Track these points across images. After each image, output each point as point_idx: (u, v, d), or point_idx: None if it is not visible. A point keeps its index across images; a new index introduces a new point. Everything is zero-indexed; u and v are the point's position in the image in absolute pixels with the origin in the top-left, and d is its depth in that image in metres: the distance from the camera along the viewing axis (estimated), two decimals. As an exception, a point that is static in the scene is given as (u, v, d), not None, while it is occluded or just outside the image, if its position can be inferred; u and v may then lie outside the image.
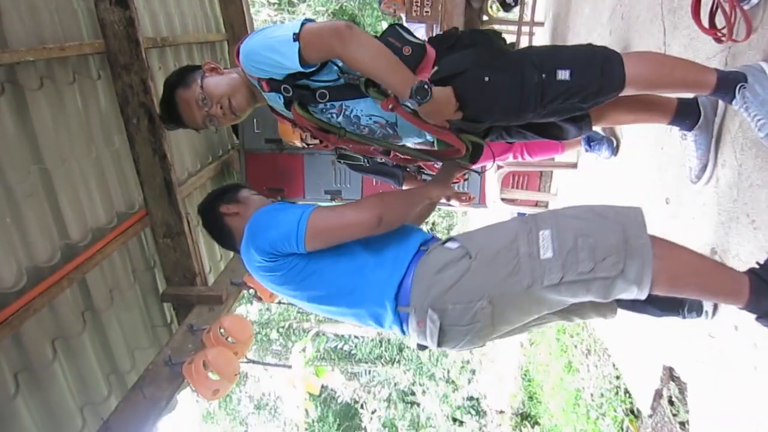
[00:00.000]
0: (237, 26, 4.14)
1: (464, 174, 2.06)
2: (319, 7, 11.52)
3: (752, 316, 1.47)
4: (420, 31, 5.13)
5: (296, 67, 1.51)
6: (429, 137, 1.78)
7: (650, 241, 1.36)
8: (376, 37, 1.58)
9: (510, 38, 5.10)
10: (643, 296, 1.39)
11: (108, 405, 2.52)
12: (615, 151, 2.94)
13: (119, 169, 2.83)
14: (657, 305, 1.94)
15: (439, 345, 1.48)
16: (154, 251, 3.02)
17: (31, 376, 2.17)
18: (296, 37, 1.47)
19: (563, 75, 1.52)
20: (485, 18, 4.89)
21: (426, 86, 1.46)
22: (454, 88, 1.53)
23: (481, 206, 4.05)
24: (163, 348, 2.65)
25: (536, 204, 4.11)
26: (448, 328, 1.46)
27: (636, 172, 2.74)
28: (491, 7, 5.11)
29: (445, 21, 4.00)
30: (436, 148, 1.85)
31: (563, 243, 1.37)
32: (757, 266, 1.51)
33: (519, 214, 4.47)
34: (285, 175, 3.97)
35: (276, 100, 1.67)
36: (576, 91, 1.55)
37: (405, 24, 5.19)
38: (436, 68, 1.55)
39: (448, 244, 1.52)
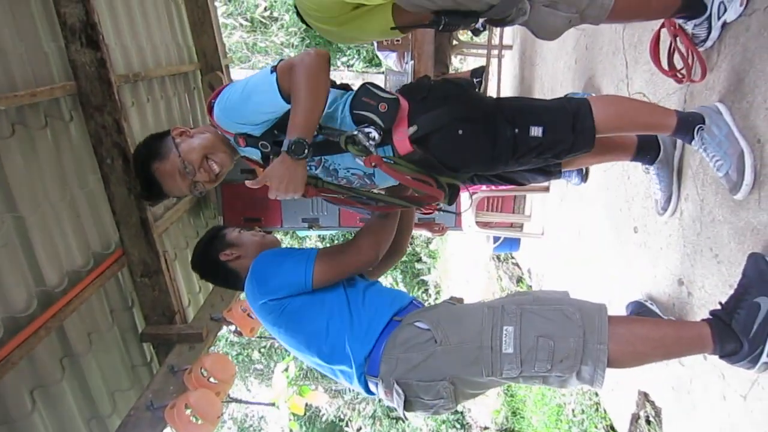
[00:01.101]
0: (209, 54, 4.13)
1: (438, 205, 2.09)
2: (292, 27, 11.54)
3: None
4: (391, 59, 5.19)
5: (276, 98, 1.50)
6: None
7: (607, 344, 1.44)
8: (353, 96, 1.61)
9: (480, 61, 5.19)
10: (597, 389, 1.55)
11: (89, 452, 2.50)
12: (584, 178, 3.01)
13: (94, 210, 2.81)
14: None
15: (405, 411, 1.60)
16: (132, 290, 3.00)
17: (10, 428, 2.14)
18: (273, 68, 1.52)
19: (536, 132, 1.59)
20: (455, 43, 4.97)
21: (305, 149, 1.47)
22: (430, 142, 1.58)
23: (457, 229, 4.11)
24: (144, 391, 2.62)
25: (511, 225, 4.18)
26: (413, 400, 1.57)
27: (605, 199, 2.81)
28: (461, 32, 5.20)
29: (416, 48, 4.06)
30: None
31: (525, 341, 1.46)
32: (719, 307, 1.57)
33: (495, 238, 4.54)
34: (262, 205, 3.98)
35: (254, 154, 1.68)
36: (548, 147, 1.62)
37: (377, 51, 5.26)
38: (415, 128, 1.59)
39: (418, 324, 1.59)
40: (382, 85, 2.29)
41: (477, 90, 1.80)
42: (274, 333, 1.75)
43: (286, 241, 11.36)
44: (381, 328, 1.62)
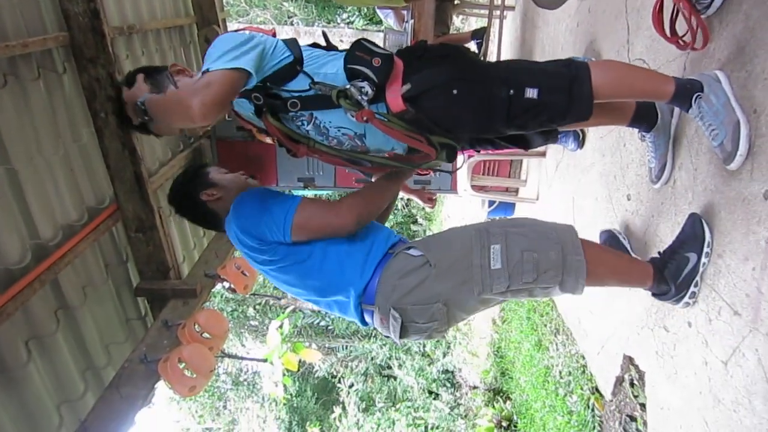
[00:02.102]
0: (206, 8, 4.04)
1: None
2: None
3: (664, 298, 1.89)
4: (391, 18, 5.09)
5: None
6: (397, 148, 1.81)
7: (583, 256, 1.61)
8: (346, 50, 1.60)
9: (481, 22, 5.10)
10: (578, 295, 1.67)
11: (85, 402, 2.55)
12: (581, 144, 3.00)
13: (88, 164, 2.79)
14: None
15: (400, 338, 1.69)
16: (126, 245, 3.01)
17: (6, 378, 2.18)
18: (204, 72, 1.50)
19: (531, 93, 1.58)
20: (457, 2, 4.87)
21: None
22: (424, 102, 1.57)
23: (452, 192, 4.11)
24: (138, 345, 2.66)
25: (506, 190, 4.18)
26: (408, 325, 1.66)
27: (600, 166, 2.81)
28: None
29: (416, 7, 3.98)
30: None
31: (511, 256, 1.59)
32: (657, 255, 1.87)
33: (489, 202, 4.55)
34: (257, 163, 3.96)
35: (246, 107, 1.67)
36: (542, 110, 1.61)
37: (377, 10, 5.16)
38: (408, 86, 1.58)
39: (411, 251, 1.69)
40: (381, 44, 2.26)
41: (474, 53, 1.77)
42: (262, 271, 1.81)
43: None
44: (378, 260, 1.70)
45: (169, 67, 1.75)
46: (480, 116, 1.64)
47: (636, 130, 2.14)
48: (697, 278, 1.83)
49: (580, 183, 3.15)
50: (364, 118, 1.58)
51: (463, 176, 3.93)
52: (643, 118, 2.04)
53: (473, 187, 4.10)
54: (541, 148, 3.72)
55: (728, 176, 1.72)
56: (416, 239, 1.83)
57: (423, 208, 10.29)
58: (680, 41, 1.89)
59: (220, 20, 4.08)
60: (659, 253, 1.89)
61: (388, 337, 1.75)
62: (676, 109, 2.01)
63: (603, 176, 2.77)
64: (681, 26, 1.89)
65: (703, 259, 1.80)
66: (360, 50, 1.61)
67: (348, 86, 1.55)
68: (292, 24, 11.57)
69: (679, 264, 1.82)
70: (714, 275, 1.80)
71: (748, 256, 1.64)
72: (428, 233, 10.15)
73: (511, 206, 4.77)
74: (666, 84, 1.71)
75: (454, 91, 1.60)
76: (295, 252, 1.69)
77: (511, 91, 1.59)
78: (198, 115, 1.40)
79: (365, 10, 11.23)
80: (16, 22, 2.34)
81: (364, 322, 1.76)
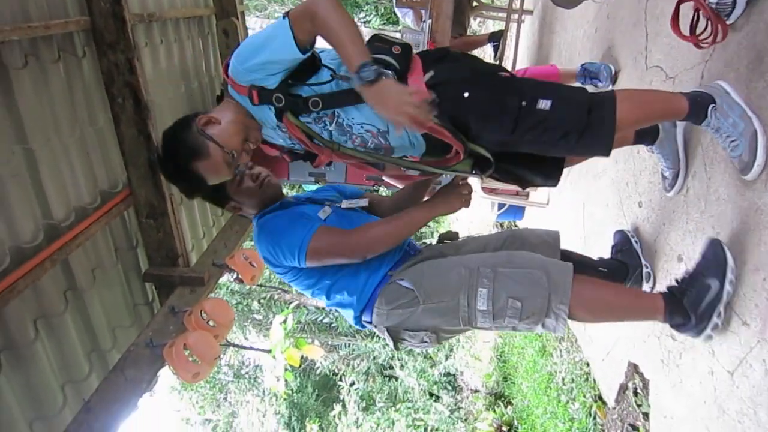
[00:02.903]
0: (225, 0, 4.08)
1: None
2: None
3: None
4: (408, 17, 5.09)
5: (291, 45, 1.49)
6: (415, 153, 1.79)
7: (568, 305, 1.65)
8: (366, 42, 1.60)
9: (499, 25, 5.10)
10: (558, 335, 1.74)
11: (89, 383, 2.57)
12: (614, 80, 2.85)
13: (103, 148, 2.82)
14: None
15: (396, 348, 1.96)
16: (137, 230, 3.04)
17: (14, 355, 2.20)
18: (285, 14, 1.50)
19: (543, 104, 1.55)
20: (475, 4, 4.87)
21: (375, 68, 1.43)
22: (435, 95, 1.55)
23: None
24: (144, 329, 2.69)
25: (517, 193, 4.17)
26: (402, 342, 1.91)
27: (613, 173, 2.80)
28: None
29: (434, 7, 3.97)
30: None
31: (497, 301, 1.69)
32: (675, 284, 1.77)
33: (499, 205, 4.54)
34: (270, 157, 3.97)
35: (267, 115, 1.66)
36: (554, 125, 1.56)
37: (395, 9, 5.16)
38: (432, 73, 1.58)
39: (403, 283, 1.80)
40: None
41: (493, 65, 1.76)
42: (284, 278, 2.00)
43: (292, 195, 11.40)
44: (376, 284, 1.86)
45: (196, 121, 1.69)
46: (490, 124, 1.61)
47: (642, 146, 2.14)
48: (720, 308, 1.68)
49: (591, 189, 3.15)
50: None
51: (473, 178, 3.93)
52: (645, 133, 2.05)
53: (484, 189, 4.09)
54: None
55: (742, 186, 1.71)
56: (413, 262, 1.92)
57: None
58: (700, 40, 1.88)
59: (239, 13, 4.10)
60: (677, 281, 1.76)
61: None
62: (690, 122, 2.00)
63: (615, 183, 2.76)
64: (700, 27, 1.88)
65: (727, 287, 1.66)
66: (378, 41, 1.62)
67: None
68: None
69: (700, 292, 1.69)
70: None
71: (759, 266, 1.63)
72: (436, 235, 10.14)
73: (521, 210, 4.76)
74: (679, 101, 1.69)
75: (465, 94, 1.59)
76: (306, 276, 1.92)
77: (523, 102, 1.56)
78: None
79: (382, 9, 11.25)
80: (39, 4, 2.37)
81: (363, 327, 1.97)
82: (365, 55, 1.47)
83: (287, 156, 1.91)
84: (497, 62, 4.26)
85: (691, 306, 1.70)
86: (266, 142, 1.79)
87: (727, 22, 1.79)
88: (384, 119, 1.59)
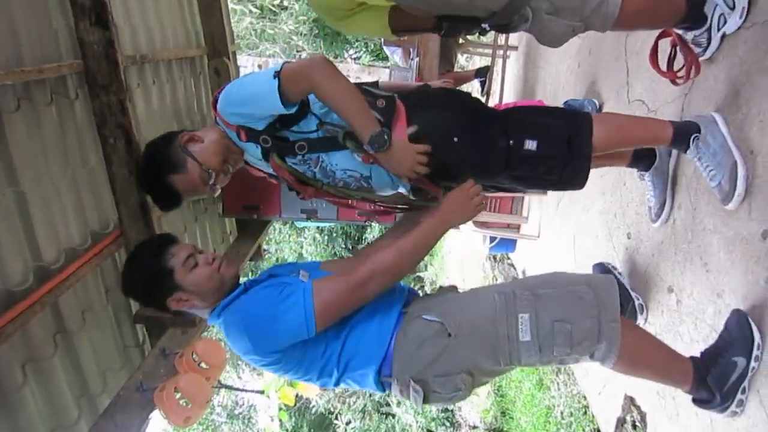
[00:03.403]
0: (217, 39, 4.13)
1: None
2: (301, 15, 11.53)
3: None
4: (397, 54, 5.20)
5: (277, 105, 1.52)
6: (402, 189, 1.83)
7: (619, 321, 1.47)
8: None
9: (485, 61, 5.20)
10: (607, 367, 1.53)
11: (78, 429, 2.51)
12: None
13: (94, 188, 2.83)
14: None
15: (423, 405, 1.58)
16: (128, 270, 3.02)
17: (1, 400, 2.17)
18: (276, 74, 1.52)
19: (530, 145, 1.60)
20: (461, 41, 4.98)
21: (386, 136, 1.53)
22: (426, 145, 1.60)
23: (453, 228, 4.12)
24: (135, 372, 2.65)
25: (508, 226, 4.20)
26: (430, 395, 1.53)
27: (601, 204, 2.84)
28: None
29: (422, 45, 4.07)
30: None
31: (541, 328, 1.45)
32: (698, 356, 1.67)
33: (491, 238, 4.56)
34: (261, 193, 3.99)
35: (253, 151, 1.69)
36: (540, 162, 1.62)
37: (384, 47, 5.27)
38: (415, 127, 1.61)
39: (427, 316, 1.52)
40: (388, 80, 2.33)
41: (475, 99, 1.80)
42: (269, 370, 1.63)
43: (285, 232, 11.37)
44: (393, 327, 1.55)
45: (180, 137, 1.75)
46: (479, 165, 1.66)
47: (635, 170, 2.17)
48: (745, 384, 1.63)
49: (580, 221, 3.17)
50: (371, 160, 1.61)
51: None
52: (642, 158, 2.08)
53: (475, 222, 4.11)
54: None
55: (726, 216, 1.74)
56: (430, 296, 1.68)
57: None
58: (677, 77, 1.93)
59: (230, 52, 4.17)
60: (700, 353, 1.69)
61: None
62: (674, 149, 2.04)
63: (603, 214, 2.79)
64: (678, 64, 1.94)
65: (753, 364, 1.61)
66: (363, 94, 1.64)
67: None
68: (300, 58, 11.79)
69: (725, 369, 1.61)
70: (714, 314, 1.80)
71: (747, 295, 1.64)
72: (429, 268, 10.12)
73: (512, 242, 4.77)
74: (664, 129, 1.75)
75: (455, 139, 1.63)
76: (311, 350, 1.53)
77: (511, 142, 1.61)
78: None
79: (372, 46, 11.46)
80: (32, 48, 2.41)
81: (382, 389, 1.61)
82: (373, 124, 1.54)
83: (274, 179, 1.92)
84: (485, 97, 4.33)
85: (717, 384, 1.61)
86: (252, 166, 1.81)
87: (704, 57, 1.85)
88: (389, 171, 1.66)
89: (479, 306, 1.53)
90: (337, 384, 1.60)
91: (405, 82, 3.36)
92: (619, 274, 2.30)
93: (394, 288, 1.62)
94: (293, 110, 1.59)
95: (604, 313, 1.46)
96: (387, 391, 1.60)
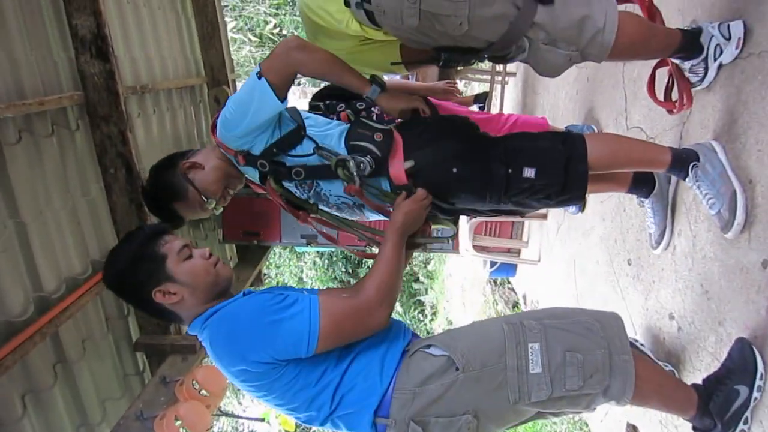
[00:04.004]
0: (217, 68, 4.19)
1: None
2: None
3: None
4: (395, 80, 5.24)
5: (274, 102, 1.55)
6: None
7: (630, 355, 1.41)
8: (348, 129, 1.68)
9: (483, 86, 5.25)
10: (621, 407, 1.47)
11: (78, 459, 2.50)
12: (582, 207, 3.03)
13: (95, 218, 2.84)
14: None
15: None
16: (128, 299, 3.02)
17: (-1, 432, 2.15)
18: (259, 75, 1.54)
19: (529, 173, 1.61)
20: (459, 68, 5.03)
21: (379, 80, 1.66)
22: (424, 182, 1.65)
23: (454, 252, 4.13)
24: (135, 401, 2.63)
25: (508, 251, 4.20)
26: None
27: (601, 230, 2.84)
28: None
29: (421, 72, 4.12)
30: None
31: (552, 358, 1.37)
32: (701, 383, 1.65)
33: (491, 263, 4.56)
34: (261, 219, 4.01)
35: (252, 174, 1.72)
36: (540, 188, 1.64)
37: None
38: (412, 162, 1.63)
39: (432, 350, 1.44)
40: (390, 79, 2.42)
41: (473, 126, 1.82)
42: (254, 395, 1.45)
43: (285, 256, 11.36)
44: (396, 363, 1.44)
45: (181, 165, 1.77)
46: (478, 194, 1.68)
47: (634, 196, 2.18)
48: (747, 414, 1.59)
49: (581, 246, 3.18)
50: (352, 193, 1.64)
51: (464, 236, 3.96)
52: (641, 184, 2.08)
53: (475, 247, 4.12)
54: (542, 210, 3.76)
55: (727, 244, 1.74)
56: (430, 336, 1.57)
57: (425, 266, 10.26)
58: (675, 107, 1.95)
59: (230, 80, 4.22)
60: (702, 380, 1.65)
61: None
62: (674, 177, 2.05)
63: (603, 240, 2.79)
64: (675, 94, 1.96)
65: (755, 394, 1.57)
66: (361, 127, 1.68)
67: (348, 158, 1.61)
68: (299, 84, 11.90)
69: (728, 397, 1.57)
70: (716, 342, 1.80)
71: (748, 324, 1.64)
72: (430, 292, 10.09)
73: (512, 267, 4.77)
74: (662, 154, 1.76)
75: (454, 170, 1.64)
76: (306, 373, 1.39)
77: (510, 170, 1.62)
78: None
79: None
80: (33, 81, 2.44)
81: None
82: (364, 78, 1.68)
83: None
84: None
85: (718, 412, 1.57)
86: (254, 183, 1.84)
87: (701, 87, 1.87)
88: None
89: (487, 337, 1.45)
90: (323, 423, 1.43)
91: (408, 82, 3.38)
92: (642, 345, 2.21)
93: (399, 327, 1.57)
94: (287, 104, 1.64)
95: (614, 345, 1.41)
96: None
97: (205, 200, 1.74)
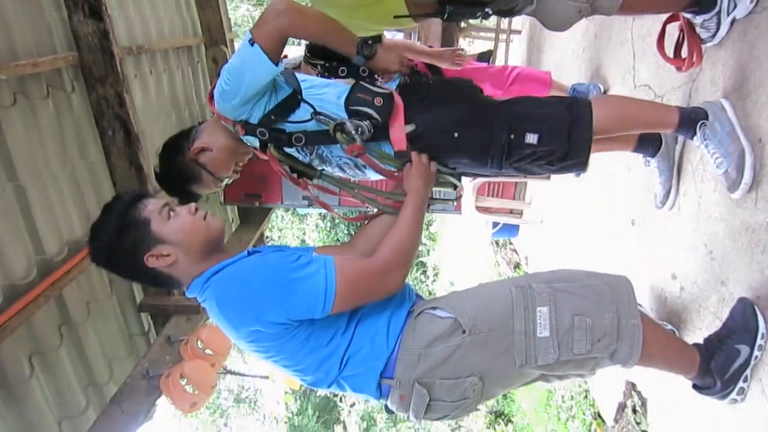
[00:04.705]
0: (214, 28, 4.10)
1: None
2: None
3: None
4: (398, 37, 5.14)
5: (270, 67, 1.51)
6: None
7: (639, 318, 1.42)
8: (348, 94, 1.63)
9: (487, 45, 5.15)
10: (626, 370, 1.48)
11: (86, 417, 2.54)
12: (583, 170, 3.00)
13: (95, 181, 2.83)
14: None
15: (420, 418, 1.42)
16: (131, 261, 3.03)
17: (8, 393, 2.18)
18: (251, 41, 1.50)
19: (531, 139, 1.57)
20: (463, 25, 4.93)
21: (370, 42, 1.59)
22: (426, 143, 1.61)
23: (457, 213, 4.11)
24: (141, 360, 2.67)
25: (511, 211, 4.18)
26: (433, 403, 1.40)
27: (605, 191, 2.82)
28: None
29: (423, 29, 4.03)
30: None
31: (561, 322, 1.37)
32: (701, 342, 1.67)
33: (494, 223, 4.55)
34: (263, 181, 3.98)
35: (252, 143, 1.69)
36: (542, 155, 1.61)
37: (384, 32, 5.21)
38: (413, 126, 1.60)
39: (438, 312, 1.43)
40: (392, 37, 2.35)
41: (476, 89, 1.77)
42: (262, 356, 1.43)
43: (287, 219, 11.38)
44: (401, 325, 1.43)
45: (190, 151, 1.75)
46: (479, 160, 1.65)
47: (640, 156, 2.15)
48: (747, 372, 1.61)
49: (584, 207, 3.16)
50: (354, 153, 1.61)
51: (467, 197, 3.94)
52: (648, 144, 2.05)
53: (478, 208, 4.11)
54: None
55: (733, 204, 1.72)
56: (436, 298, 1.55)
57: (427, 228, 10.28)
58: (682, 63, 1.90)
59: (228, 40, 4.14)
60: (704, 340, 1.67)
61: (391, 411, 1.47)
62: (680, 136, 2.01)
63: (607, 200, 2.77)
64: (685, 51, 1.91)
65: (756, 353, 1.58)
66: (361, 92, 1.63)
67: (346, 120, 1.57)
68: (299, 44, 11.70)
69: (729, 357, 1.59)
70: (718, 303, 1.79)
71: (751, 284, 1.63)
72: (432, 253, 10.14)
73: (515, 228, 4.77)
74: (670, 114, 1.72)
75: (455, 134, 1.61)
76: (318, 335, 1.37)
77: (512, 136, 1.59)
78: None
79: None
80: (26, 42, 2.39)
81: (380, 395, 1.44)
82: (354, 39, 1.60)
83: None
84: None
85: (719, 371, 1.60)
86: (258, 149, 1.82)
87: (713, 43, 1.82)
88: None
89: (495, 300, 1.43)
90: (330, 384, 1.43)
91: (413, 44, 3.31)
92: (640, 306, 2.18)
93: (405, 288, 1.54)
94: (281, 67, 1.59)
95: (623, 309, 1.41)
96: (382, 399, 1.45)
97: (220, 179, 1.79)
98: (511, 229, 4.76)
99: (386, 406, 1.48)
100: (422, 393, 1.37)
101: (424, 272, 10.34)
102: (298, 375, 1.45)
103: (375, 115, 1.58)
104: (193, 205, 1.47)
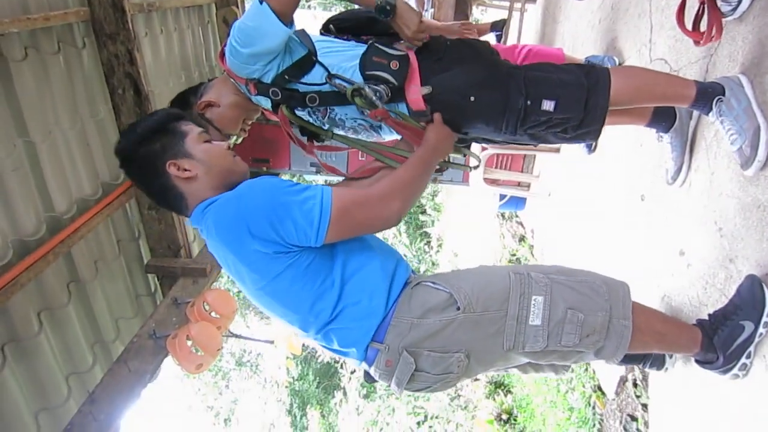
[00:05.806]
0: (225, -13, 4.05)
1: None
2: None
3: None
4: (411, 2, 5.06)
5: (280, 28, 1.49)
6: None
7: (631, 320, 1.43)
8: (362, 58, 1.61)
9: (502, 13, 5.06)
10: (612, 364, 1.51)
11: (93, 374, 2.59)
12: (593, 147, 2.99)
13: (104, 139, 2.82)
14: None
15: (402, 387, 1.42)
16: (139, 221, 3.05)
17: (18, 347, 2.22)
18: (261, 0, 1.48)
19: (548, 106, 1.56)
20: (478, -8, 4.84)
21: (388, 6, 1.55)
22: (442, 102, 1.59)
23: (464, 184, 4.10)
24: (147, 320, 2.70)
25: (519, 184, 4.17)
26: (417, 374, 1.40)
27: (615, 166, 2.80)
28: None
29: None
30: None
31: (554, 313, 1.38)
32: (707, 318, 1.67)
33: (501, 195, 4.54)
34: (271, 146, 3.97)
35: (263, 103, 1.68)
36: (558, 122, 1.59)
37: None
38: (429, 88, 1.58)
39: (436, 285, 1.43)
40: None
41: (494, 52, 1.74)
42: (259, 294, 1.41)
43: (293, 184, 11.38)
44: (401, 288, 1.44)
45: (197, 105, 1.74)
46: (494, 125, 1.63)
47: (653, 130, 2.13)
48: (751, 349, 1.62)
49: (593, 181, 3.14)
50: (378, 118, 1.59)
51: (475, 169, 3.92)
52: (662, 118, 2.03)
53: (485, 179, 4.09)
54: (555, 145, 3.70)
55: (745, 182, 1.71)
56: (435, 273, 1.54)
57: (433, 198, 10.26)
58: (701, 37, 1.87)
59: (239, 1, 4.08)
60: (709, 315, 1.68)
61: (372, 379, 1.49)
62: (695, 111, 1.99)
63: (617, 175, 2.76)
64: (704, 25, 1.87)
65: (761, 330, 1.59)
66: (376, 55, 1.60)
67: (363, 86, 1.55)
68: (309, 8, 11.53)
69: (732, 332, 1.60)
70: (725, 279, 1.80)
71: (760, 262, 1.63)
72: (437, 224, 10.14)
73: (522, 200, 4.76)
74: (687, 88, 1.69)
75: (471, 98, 1.59)
76: (315, 268, 1.35)
77: (528, 102, 1.57)
78: None
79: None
80: (38, -5, 2.36)
81: (363, 357, 1.43)
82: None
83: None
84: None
85: (722, 346, 1.61)
86: (268, 110, 1.81)
87: (733, 17, 1.78)
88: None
89: (493, 282, 1.44)
90: (318, 331, 1.41)
91: (420, 13, 3.26)
92: None
93: (404, 260, 1.55)
94: (294, 28, 1.57)
95: (616, 309, 1.43)
96: (362, 362, 1.44)
97: (228, 136, 1.76)
98: (519, 202, 4.75)
99: (366, 373, 1.49)
100: (409, 361, 1.37)
101: (428, 242, 10.36)
102: (288, 316, 1.41)
103: (391, 79, 1.57)
104: (227, 142, 1.51)
